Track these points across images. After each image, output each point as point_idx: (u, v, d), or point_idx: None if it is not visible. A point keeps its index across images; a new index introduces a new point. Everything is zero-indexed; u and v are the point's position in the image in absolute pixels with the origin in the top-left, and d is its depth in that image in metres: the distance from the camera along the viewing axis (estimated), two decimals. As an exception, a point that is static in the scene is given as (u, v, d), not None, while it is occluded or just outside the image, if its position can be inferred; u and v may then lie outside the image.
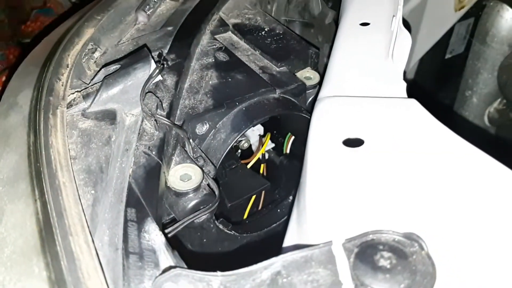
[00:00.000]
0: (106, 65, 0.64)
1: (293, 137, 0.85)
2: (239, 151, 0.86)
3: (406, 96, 0.53)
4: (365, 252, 0.36)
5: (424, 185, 0.42)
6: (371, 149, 0.45)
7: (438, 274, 0.34)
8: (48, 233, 0.39)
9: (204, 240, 0.71)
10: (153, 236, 0.44)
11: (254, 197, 0.83)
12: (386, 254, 0.35)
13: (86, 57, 0.69)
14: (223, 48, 0.78)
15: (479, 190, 0.41)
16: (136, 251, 0.42)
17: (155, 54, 0.69)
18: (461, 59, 1.39)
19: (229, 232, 0.73)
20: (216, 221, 0.70)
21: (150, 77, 0.60)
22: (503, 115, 1.36)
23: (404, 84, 0.54)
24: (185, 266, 0.40)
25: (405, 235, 0.36)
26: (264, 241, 0.79)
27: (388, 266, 0.34)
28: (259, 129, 0.86)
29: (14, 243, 0.39)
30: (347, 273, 0.35)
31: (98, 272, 0.36)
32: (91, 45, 0.72)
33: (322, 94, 0.56)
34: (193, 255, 0.66)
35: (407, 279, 0.33)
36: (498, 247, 0.37)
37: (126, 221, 0.44)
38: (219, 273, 0.36)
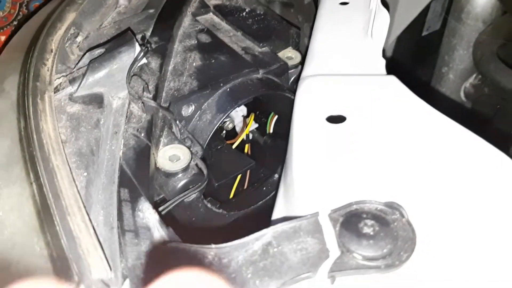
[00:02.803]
0: (90, 49, 0.64)
1: (276, 117, 0.87)
2: (224, 132, 0.88)
3: (386, 73, 0.55)
4: (350, 221, 0.38)
5: (403, 157, 0.45)
6: (353, 125, 0.47)
7: (418, 239, 0.36)
8: (46, 214, 0.40)
9: (193, 218, 0.73)
10: (147, 214, 0.45)
11: (239, 176, 0.85)
12: (369, 222, 0.37)
13: (69, 42, 0.69)
14: (205, 29, 0.78)
15: (456, 160, 0.43)
16: (131, 229, 0.43)
17: (138, 37, 0.69)
18: (438, 36, 1.42)
19: (217, 210, 0.75)
20: (204, 200, 0.72)
21: (135, 60, 0.61)
22: (479, 90, 1.40)
23: (383, 61, 0.56)
24: (180, 241, 0.42)
25: (386, 204, 0.39)
26: (251, 218, 0.81)
27: (372, 233, 0.37)
28: (242, 110, 0.88)
29: (13, 225, 0.40)
30: (333, 241, 0.37)
31: (97, 249, 0.38)
32: (73, 29, 0.72)
33: (304, 73, 0.57)
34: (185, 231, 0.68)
35: (389, 244, 0.36)
36: (473, 212, 0.40)
37: (119, 201, 0.46)
38: (213, 245, 0.38)
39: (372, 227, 0.37)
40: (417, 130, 0.46)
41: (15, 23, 1.16)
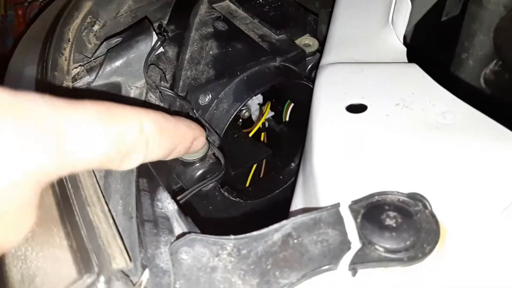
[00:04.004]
0: (107, 38, 0.64)
1: (292, 105, 0.86)
2: (240, 120, 0.87)
3: (407, 61, 0.54)
4: (372, 212, 0.37)
5: (426, 147, 0.44)
6: (374, 114, 0.46)
7: (442, 231, 0.36)
8: (66, 205, 0.40)
9: (210, 207, 0.73)
10: (166, 204, 0.45)
11: (255, 165, 0.85)
12: (391, 213, 0.37)
13: (86, 31, 0.69)
14: (222, 17, 0.78)
15: (480, 151, 0.42)
16: (151, 218, 0.43)
17: (155, 25, 0.69)
18: (457, 21, 1.38)
19: (234, 199, 0.75)
20: (221, 189, 0.72)
21: (153, 49, 0.60)
22: (499, 76, 1.37)
23: (405, 49, 0.55)
24: (199, 231, 0.42)
25: (409, 195, 0.38)
26: (267, 206, 0.81)
27: (394, 225, 0.36)
28: (258, 98, 0.87)
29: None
30: (354, 232, 0.36)
31: (117, 239, 0.38)
32: (90, 18, 0.71)
33: (324, 61, 0.56)
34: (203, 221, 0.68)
35: (412, 236, 0.35)
36: (497, 203, 0.39)
37: (138, 190, 0.46)
38: (232, 236, 0.38)
39: (394, 218, 0.36)
40: (439, 119, 0.45)
41: None
